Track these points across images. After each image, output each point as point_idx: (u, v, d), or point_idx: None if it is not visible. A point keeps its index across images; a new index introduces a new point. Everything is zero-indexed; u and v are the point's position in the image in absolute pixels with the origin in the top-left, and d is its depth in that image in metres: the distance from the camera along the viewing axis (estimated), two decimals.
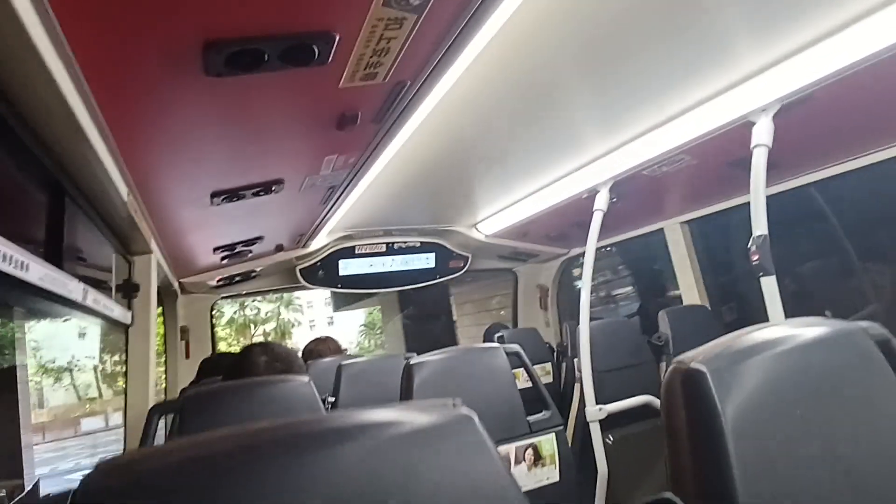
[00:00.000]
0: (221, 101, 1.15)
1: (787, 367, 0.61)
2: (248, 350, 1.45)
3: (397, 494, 0.44)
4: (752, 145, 1.68)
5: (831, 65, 1.47)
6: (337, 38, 0.99)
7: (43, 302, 1.11)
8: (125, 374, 1.93)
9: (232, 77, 1.03)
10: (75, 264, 1.37)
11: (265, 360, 1.33)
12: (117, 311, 1.68)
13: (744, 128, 1.75)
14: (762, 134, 1.67)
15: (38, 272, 0.98)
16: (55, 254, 1.19)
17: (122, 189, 1.33)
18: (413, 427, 0.47)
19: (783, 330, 0.65)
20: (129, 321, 1.85)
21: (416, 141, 1.75)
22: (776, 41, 1.46)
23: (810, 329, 0.67)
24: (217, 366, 2.28)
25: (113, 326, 1.81)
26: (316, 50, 1.00)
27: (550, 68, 1.47)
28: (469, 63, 1.32)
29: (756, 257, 1.62)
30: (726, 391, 0.56)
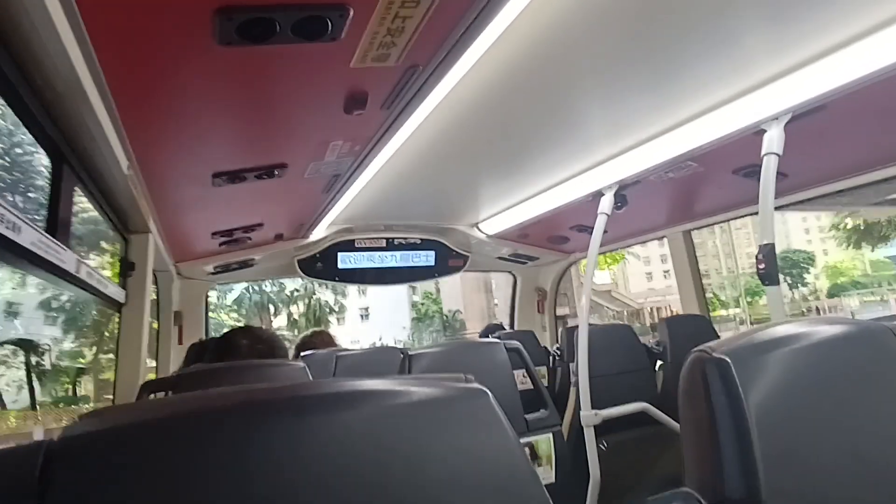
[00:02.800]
0: (230, 73, 1.13)
1: (809, 361, 0.59)
2: (230, 333, 1.45)
3: (402, 463, 0.41)
4: (762, 153, 1.67)
5: (845, 76, 1.46)
6: (351, 12, 0.97)
7: (36, 270, 1.08)
8: (116, 353, 1.90)
9: (242, 47, 1.01)
10: (71, 237, 1.34)
11: (247, 342, 1.32)
12: (111, 288, 1.65)
13: (754, 136, 1.73)
14: (773, 142, 1.66)
15: (30, 237, 0.96)
16: (51, 222, 1.16)
17: (123, 161, 1.31)
18: (422, 397, 0.45)
19: (804, 326, 0.63)
20: (123, 299, 1.82)
21: (423, 131, 1.73)
22: (790, 50, 1.45)
23: (832, 326, 0.65)
24: (205, 351, 2.24)
25: (107, 304, 1.78)
26: (329, 23, 0.98)
27: (562, 67, 1.46)
28: (482, 53, 1.30)
29: (762, 266, 1.61)
30: (749, 382, 0.54)
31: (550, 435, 1.64)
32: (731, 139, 1.82)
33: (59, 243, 1.11)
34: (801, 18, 1.30)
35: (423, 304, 29.71)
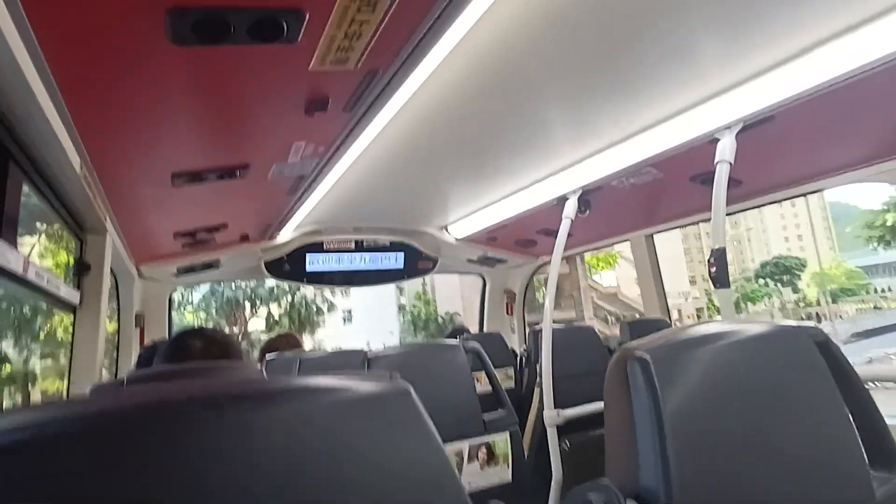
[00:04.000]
0: (186, 73, 1.12)
1: (727, 360, 0.62)
2: (183, 334, 1.41)
3: (320, 461, 0.42)
4: (715, 161, 1.73)
5: (792, 87, 1.52)
6: (307, 15, 0.98)
7: None
8: (70, 358, 1.85)
9: (198, 48, 1.00)
10: (19, 237, 1.30)
11: (200, 344, 1.28)
12: (64, 290, 1.61)
13: (709, 144, 1.79)
14: (725, 151, 1.72)
15: None
16: None
17: (74, 159, 1.28)
18: (344, 395, 0.46)
19: (726, 326, 0.67)
20: (77, 301, 1.77)
21: (387, 134, 1.74)
22: (741, 61, 1.51)
23: (752, 326, 0.69)
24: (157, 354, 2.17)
25: (59, 307, 1.73)
26: (285, 26, 0.98)
27: (524, 72, 1.49)
28: (443, 57, 1.32)
29: (714, 269, 1.66)
30: (667, 380, 0.56)
31: (507, 434, 1.67)
32: (688, 147, 1.88)
33: (4, 242, 1.08)
34: (750, 32, 1.35)
35: (414, 306, 27.54)
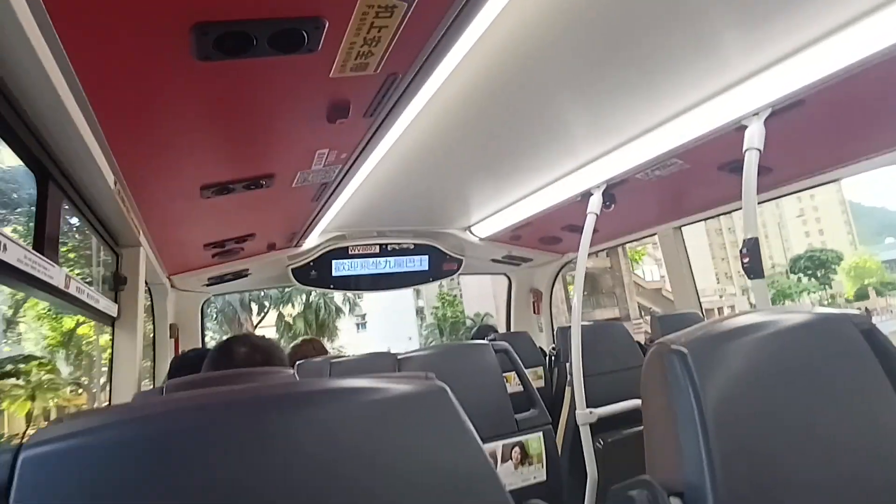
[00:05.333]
0: (211, 88, 1.14)
1: (769, 350, 0.60)
2: (229, 340, 1.44)
3: (359, 460, 0.42)
4: (743, 149, 1.69)
5: (822, 69, 1.48)
6: (326, 24, 0.99)
7: (24, 286, 1.09)
8: (110, 368, 1.91)
9: (221, 61, 1.02)
10: (60, 253, 1.35)
11: (245, 350, 1.31)
12: (103, 303, 1.66)
13: (736, 132, 1.75)
14: (754, 138, 1.68)
15: (16, 253, 0.97)
16: (38, 239, 1.17)
17: (109, 177, 1.32)
18: (381, 396, 0.46)
19: (767, 315, 0.65)
20: (115, 314, 1.83)
21: (408, 137, 1.74)
22: (767, 46, 1.47)
23: (794, 315, 0.66)
24: (189, 364, 2.22)
25: (99, 319, 1.79)
26: (305, 36, 1.00)
27: (543, 67, 1.48)
28: (461, 58, 1.32)
29: (747, 260, 1.62)
30: (707, 373, 0.55)
31: (541, 434, 1.65)
32: (714, 136, 1.84)
33: (46, 259, 1.12)
34: (776, 16, 1.32)
35: (436, 307, 25.39)
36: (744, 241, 1.64)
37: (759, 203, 1.99)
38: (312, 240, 3.04)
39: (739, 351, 0.59)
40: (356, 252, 3.33)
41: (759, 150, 1.66)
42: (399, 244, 3.41)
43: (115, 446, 0.39)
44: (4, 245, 0.91)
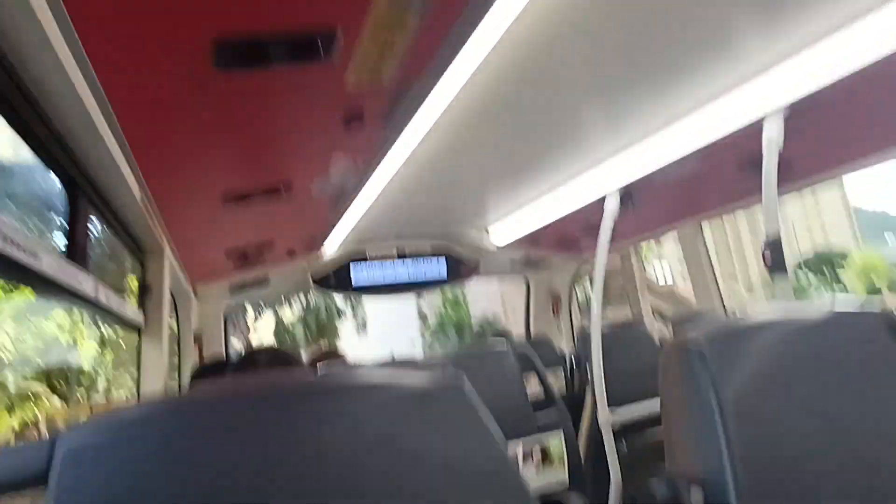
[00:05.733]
0: (231, 97, 1.17)
1: (791, 346, 0.60)
2: (251, 351, 1.49)
3: (378, 453, 0.43)
4: (763, 143, 1.67)
5: (842, 62, 1.45)
6: (340, 34, 1.01)
7: (56, 294, 1.13)
8: (138, 374, 1.96)
9: (240, 72, 1.05)
10: (89, 262, 1.39)
11: (266, 359, 1.35)
12: (130, 312, 1.70)
13: (755, 128, 1.73)
14: (773, 132, 1.66)
15: (49, 263, 1.01)
16: (69, 248, 1.22)
17: (134, 186, 1.36)
18: (400, 391, 0.47)
19: (790, 311, 0.64)
20: (142, 322, 1.87)
21: (423, 143, 1.76)
22: (785, 37, 1.45)
23: (818, 311, 0.66)
24: (211, 371, 2.25)
25: (126, 327, 1.83)
26: (320, 46, 1.02)
27: (558, 67, 1.48)
28: (476, 65, 1.33)
29: (769, 256, 1.60)
30: (725, 369, 0.55)
31: (561, 434, 1.64)
32: (734, 131, 1.81)
33: (78, 266, 1.16)
34: (795, 6, 1.30)
35: (440, 309, 23.71)
36: (766, 237, 1.62)
37: (779, 197, 1.96)
38: (331, 247, 3.08)
39: (760, 346, 0.58)
40: (375, 257, 3.36)
41: (780, 145, 1.64)
42: (417, 249, 3.43)
43: (150, 431, 0.41)
44: (38, 255, 0.95)
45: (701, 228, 2.86)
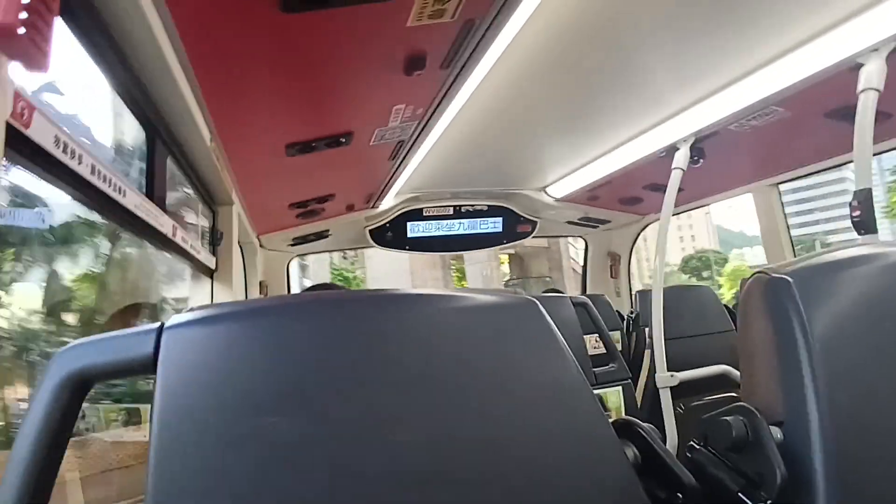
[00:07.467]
0: (295, 41, 1.18)
1: (881, 283, 0.55)
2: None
3: (453, 356, 0.45)
4: (858, 90, 1.51)
5: None
6: None
7: (138, 231, 1.21)
8: None
9: (304, 13, 1.05)
10: (168, 206, 1.48)
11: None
12: (203, 255, 1.80)
13: (849, 73, 1.57)
14: (872, 77, 1.50)
15: (133, 200, 1.08)
16: (148, 190, 1.29)
17: (205, 133, 1.42)
18: (474, 302, 0.49)
19: (878, 248, 0.59)
20: (214, 266, 1.98)
21: (483, 93, 1.72)
22: None
23: None
24: None
25: (199, 270, 1.95)
26: None
27: (626, 12, 1.39)
28: (539, 3, 1.27)
29: (857, 213, 1.47)
30: (813, 302, 0.51)
31: (620, 388, 1.63)
32: (823, 77, 1.66)
33: (157, 206, 1.24)
34: None
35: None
36: (855, 192, 1.49)
37: (876, 154, 1.79)
38: (388, 201, 3.12)
39: (848, 282, 0.54)
40: (431, 214, 3.37)
41: (879, 91, 1.48)
42: (473, 205, 3.42)
43: (259, 323, 0.44)
44: (125, 191, 1.02)
45: (778, 189, 2.67)
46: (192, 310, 0.46)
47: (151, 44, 0.99)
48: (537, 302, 0.50)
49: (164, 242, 1.37)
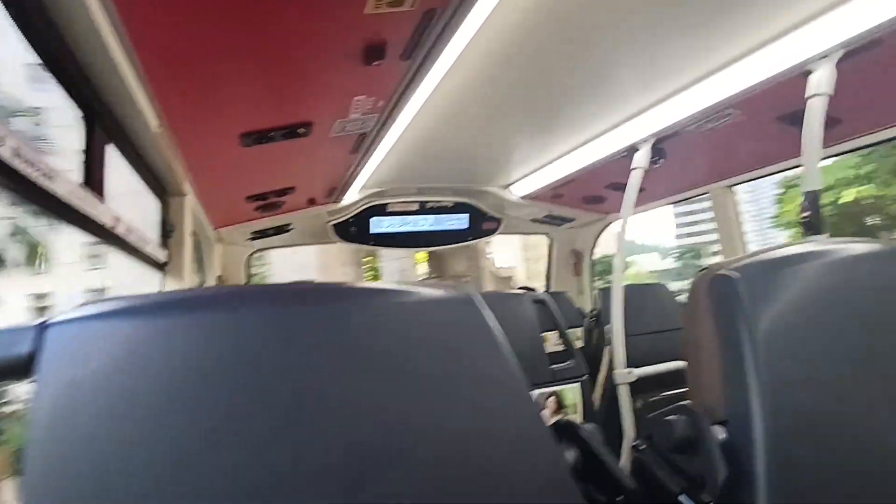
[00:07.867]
0: (247, 24, 1.13)
1: (827, 280, 0.55)
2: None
3: (388, 352, 0.43)
4: (807, 95, 1.56)
5: None
6: None
7: (73, 222, 1.13)
8: None
9: None
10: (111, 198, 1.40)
11: None
12: (151, 247, 1.72)
13: (801, 78, 1.61)
14: (822, 83, 1.54)
15: (66, 188, 1.00)
16: (86, 177, 1.21)
17: (152, 119, 1.35)
18: (409, 297, 0.46)
19: (827, 245, 0.59)
20: (164, 259, 1.90)
21: (447, 86, 1.70)
22: None
23: (856, 245, 0.60)
24: None
25: (149, 264, 1.86)
26: None
27: (591, 10, 1.39)
28: (502, 6, 1.26)
29: (806, 214, 1.52)
30: (760, 299, 0.51)
31: (578, 385, 1.64)
32: (776, 81, 1.70)
33: (94, 194, 1.16)
34: None
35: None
36: (804, 194, 1.53)
37: (824, 158, 1.84)
38: (352, 195, 3.06)
39: (794, 279, 0.54)
40: (396, 209, 3.33)
41: (829, 96, 1.53)
42: (438, 202, 3.39)
43: (147, 319, 0.40)
44: (53, 176, 0.94)
45: (732, 190, 2.74)
46: (80, 305, 0.42)
47: (89, 22, 0.92)
48: (474, 297, 0.48)
49: (104, 235, 1.29)
